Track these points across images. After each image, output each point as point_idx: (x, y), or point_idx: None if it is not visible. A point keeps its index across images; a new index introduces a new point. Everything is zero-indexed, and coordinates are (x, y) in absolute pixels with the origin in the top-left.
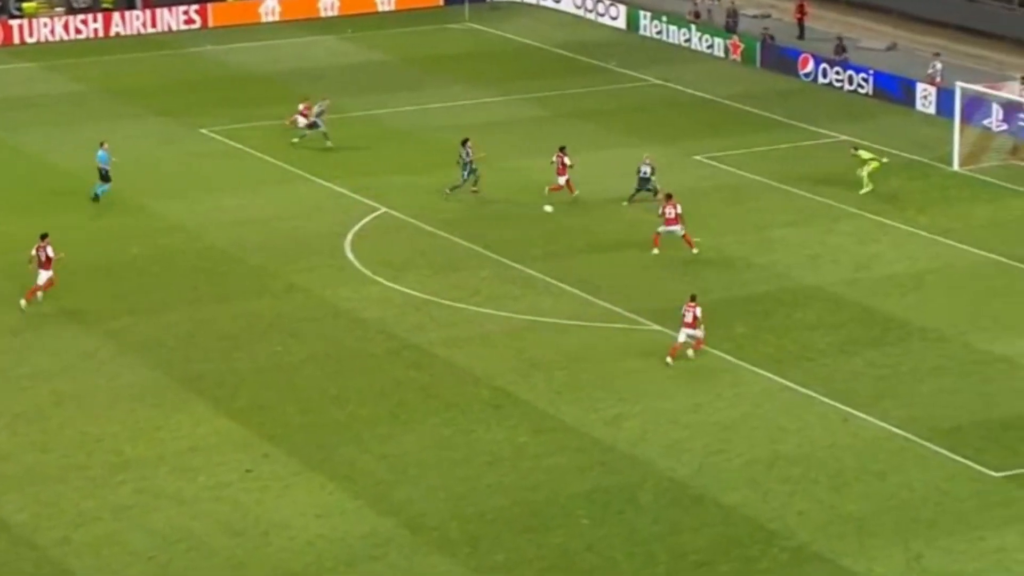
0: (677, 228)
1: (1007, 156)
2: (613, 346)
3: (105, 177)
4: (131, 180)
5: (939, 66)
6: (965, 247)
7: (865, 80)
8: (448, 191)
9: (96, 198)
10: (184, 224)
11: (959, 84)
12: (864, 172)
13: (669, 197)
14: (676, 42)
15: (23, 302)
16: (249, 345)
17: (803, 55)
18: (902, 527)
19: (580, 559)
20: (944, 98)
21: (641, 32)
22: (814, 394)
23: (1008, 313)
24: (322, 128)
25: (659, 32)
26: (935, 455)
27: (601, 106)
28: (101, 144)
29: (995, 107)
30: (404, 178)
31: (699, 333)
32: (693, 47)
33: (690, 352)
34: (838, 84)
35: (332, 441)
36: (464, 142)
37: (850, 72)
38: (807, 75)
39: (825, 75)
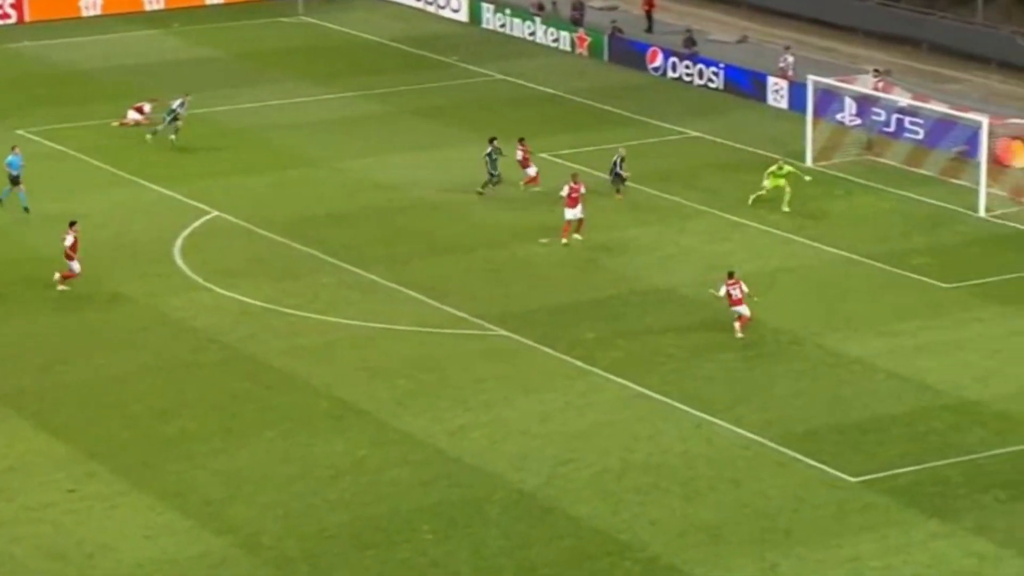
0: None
1: (861, 151)
2: (459, 353)
3: (15, 181)
4: None
5: (791, 59)
6: (819, 245)
7: (715, 74)
8: (480, 190)
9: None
10: (2, 231)
11: (811, 78)
12: (768, 184)
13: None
14: (520, 35)
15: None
16: (72, 358)
17: (652, 49)
18: (757, 536)
19: (424, 575)
20: (796, 92)
21: (484, 25)
22: (666, 400)
23: (862, 313)
24: (179, 123)
25: (503, 25)
26: (791, 461)
27: (443, 103)
28: (12, 148)
29: (848, 101)
30: (237, 180)
31: (746, 310)
32: (538, 40)
33: (738, 330)
34: (688, 78)
35: (161, 458)
36: (492, 140)
37: (700, 66)
38: (656, 69)
39: (675, 69)
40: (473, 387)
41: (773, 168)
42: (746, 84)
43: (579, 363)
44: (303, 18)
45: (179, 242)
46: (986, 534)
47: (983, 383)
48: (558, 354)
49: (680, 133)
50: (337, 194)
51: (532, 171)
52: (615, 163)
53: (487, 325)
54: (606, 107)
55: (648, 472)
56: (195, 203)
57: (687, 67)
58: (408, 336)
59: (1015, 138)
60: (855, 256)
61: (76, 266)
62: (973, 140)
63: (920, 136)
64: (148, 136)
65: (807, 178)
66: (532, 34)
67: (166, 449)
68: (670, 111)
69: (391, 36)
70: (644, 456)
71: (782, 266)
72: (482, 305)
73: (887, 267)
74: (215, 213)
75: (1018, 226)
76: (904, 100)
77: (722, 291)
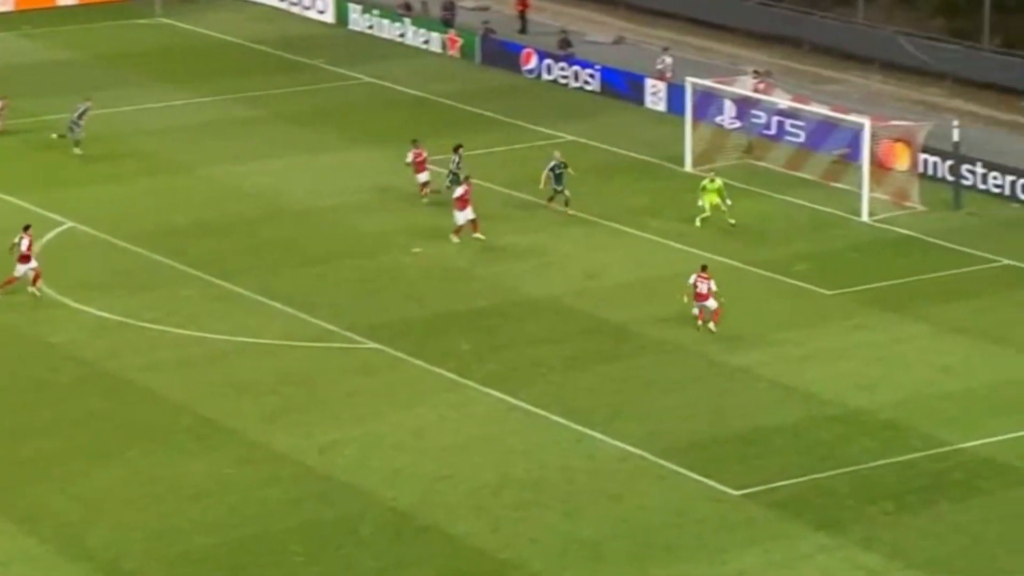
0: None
1: (742, 155)
2: (328, 367)
3: None
4: None
5: (668, 60)
6: (699, 252)
7: (591, 76)
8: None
9: None
10: None
11: (689, 79)
12: (705, 202)
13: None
14: (389, 37)
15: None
16: None
17: (526, 50)
18: (639, 552)
19: None
20: (674, 94)
21: (351, 26)
22: (545, 413)
23: (744, 320)
24: (79, 133)
25: (371, 26)
26: (673, 474)
27: (311, 107)
28: None
29: (727, 103)
30: (95, 188)
31: (712, 304)
32: (408, 42)
33: (711, 327)
34: (563, 80)
35: (14, 481)
36: (456, 148)
37: (575, 68)
38: (530, 71)
39: (549, 71)
40: (344, 402)
41: (705, 182)
42: (623, 86)
43: (453, 376)
44: (161, 19)
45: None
46: (873, 547)
47: (868, 392)
48: (431, 367)
49: (556, 137)
50: (201, 202)
51: (422, 177)
52: (553, 168)
53: (357, 338)
54: (479, 110)
55: (527, 488)
56: (48, 214)
57: (562, 69)
58: (275, 350)
59: (897, 140)
60: (736, 263)
61: (21, 270)
62: (855, 142)
63: (801, 138)
64: (54, 135)
65: (727, 203)
66: (401, 35)
67: (21, 471)
68: (545, 114)
69: (254, 38)
70: (522, 471)
71: (662, 274)
72: (352, 317)
73: (769, 274)
74: (69, 224)
75: (901, 231)
76: (784, 102)
77: (691, 279)
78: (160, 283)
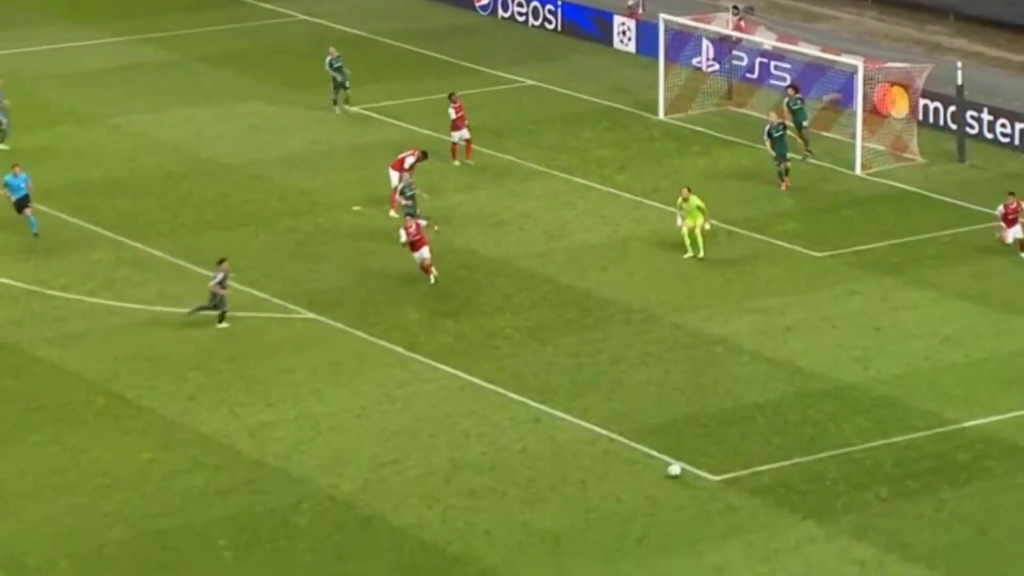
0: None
1: (720, 100)
2: (260, 340)
3: (26, 203)
4: None
5: None
6: (673, 209)
7: (552, 14)
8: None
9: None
10: None
11: (663, 17)
12: (684, 227)
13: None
14: None
15: None
16: None
17: None
18: (607, 544)
19: None
20: (646, 34)
21: None
22: (502, 390)
23: (724, 287)
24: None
25: None
26: (645, 458)
27: (236, 48)
28: (13, 167)
29: (705, 43)
30: None
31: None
32: None
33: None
34: (521, 19)
35: None
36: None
37: (535, 4)
38: (485, 8)
39: (506, 8)
40: (277, 379)
41: (679, 202)
42: (588, 25)
43: (400, 349)
44: None
45: None
46: (867, 537)
47: (862, 365)
48: (375, 339)
49: (514, 82)
50: (112, 156)
51: (456, 136)
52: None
53: (292, 307)
54: (428, 52)
55: (482, 473)
56: None
57: (520, 5)
58: (199, 321)
59: (895, 84)
60: (715, 221)
61: None
62: (847, 87)
63: (787, 83)
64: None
65: (707, 225)
66: None
67: None
68: (501, 56)
69: None
70: (477, 455)
71: (632, 234)
72: (286, 284)
73: (752, 234)
74: None
75: (898, 185)
76: (768, 42)
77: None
78: (69, 246)
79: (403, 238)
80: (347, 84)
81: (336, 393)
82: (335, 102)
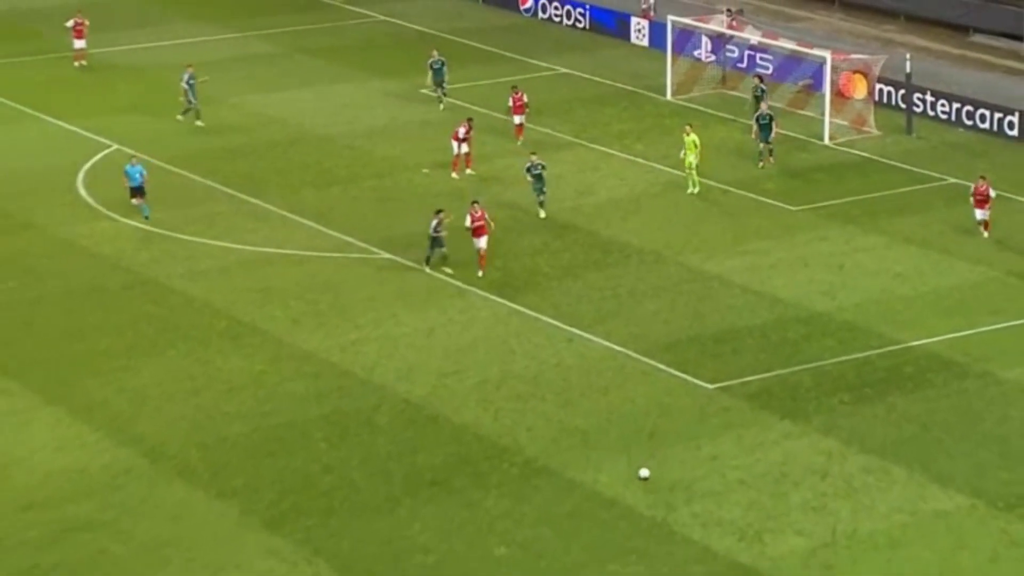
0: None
1: (716, 85)
2: (348, 275)
3: (141, 192)
4: None
5: (652, 0)
6: (680, 173)
7: (582, 15)
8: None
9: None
10: None
11: (671, 17)
12: (691, 160)
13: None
14: None
15: None
16: None
17: None
18: (625, 439)
19: (319, 480)
20: (656, 31)
21: None
22: (541, 316)
23: (719, 234)
24: (194, 103)
25: None
26: (655, 370)
27: (330, 42)
28: (131, 158)
29: (704, 39)
30: (136, 116)
31: (483, 244)
32: None
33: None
34: (557, 19)
35: (71, 376)
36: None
37: (568, 7)
38: (527, 11)
39: (544, 11)
40: (363, 306)
41: (683, 135)
42: (611, 24)
43: (459, 283)
44: None
45: (82, 174)
46: (833, 433)
47: (829, 296)
48: (439, 275)
49: (550, 70)
50: (233, 129)
51: (518, 120)
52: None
53: (374, 249)
54: (481, 45)
55: (525, 382)
56: (96, 137)
57: (555, 8)
58: (301, 260)
59: (856, 72)
60: (712, 182)
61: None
62: (818, 74)
63: (770, 71)
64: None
65: (695, 160)
66: None
67: (76, 367)
68: (541, 49)
69: None
70: (521, 368)
71: (646, 192)
72: (369, 231)
73: (742, 192)
74: (115, 147)
75: (859, 153)
76: (755, 38)
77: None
78: (197, 199)
79: (468, 222)
80: (445, 84)
81: (410, 317)
82: (440, 99)
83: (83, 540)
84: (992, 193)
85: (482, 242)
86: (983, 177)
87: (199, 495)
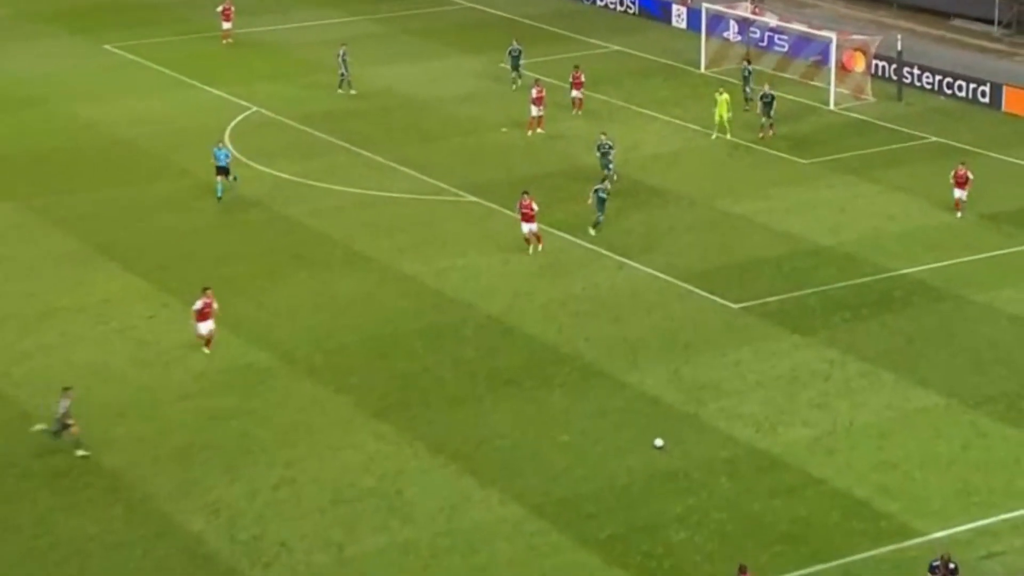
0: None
1: (741, 60)
2: (441, 214)
3: (225, 172)
4: (52, 88)
5: None
6: (709, 132)
7: (632, 2)
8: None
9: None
10: (95, 122)
11: (704, 4)
12: (724, 115)
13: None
14: None
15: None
16: (148, 218)
17: None
18: (665, 349)
19: (417, 379)
20: (693, 16)
21: None
22: (597, 248)
23: (745, 181)
24: (347, 75)
25: None
26: (689, 293)
27: (427, 24)
28: (219, 143)
29: (732, 23)
30: (271, 84)
31: (532, 227)
32: None
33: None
34: (612, 6)
35: (219, 293)
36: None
37: None
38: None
39: (601, 0)
40: (452, 238)
41: (716, 95)
42: (655, 10)
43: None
44: None
45: (228, 131)
46: (835, 345)
47: (833, 233)
48: (515, 215)
49: (605, 47)
50: (350, 95)
51: (576, 93)
52: (602, 146)
53: (461, 193)
54: (551, 28)
55: (584, 302)
56: (240, 101)
57: None
58: (404, 202)
59: (856, 49)
60: (737, 140)
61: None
62: (825, 51)
63: (785, 49)
64: (340, 91)
65: (729, 115)
66: None
67: (224, 287)
68: (598, 30)
69: None
70: (579, 290)
71: (684, 148)
72: (457, 177)
73: (762, 148)
74: (255, 108)
75: (858, 116)
76: (773, 21)
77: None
78: (321, 152)
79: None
80: (520, 68)
81: (490, 249)
82: (514, 80)
83: (230, 425)
84: (970, 175)
85: (532, 226)
86: (963, 163)
87: (322, 390)
